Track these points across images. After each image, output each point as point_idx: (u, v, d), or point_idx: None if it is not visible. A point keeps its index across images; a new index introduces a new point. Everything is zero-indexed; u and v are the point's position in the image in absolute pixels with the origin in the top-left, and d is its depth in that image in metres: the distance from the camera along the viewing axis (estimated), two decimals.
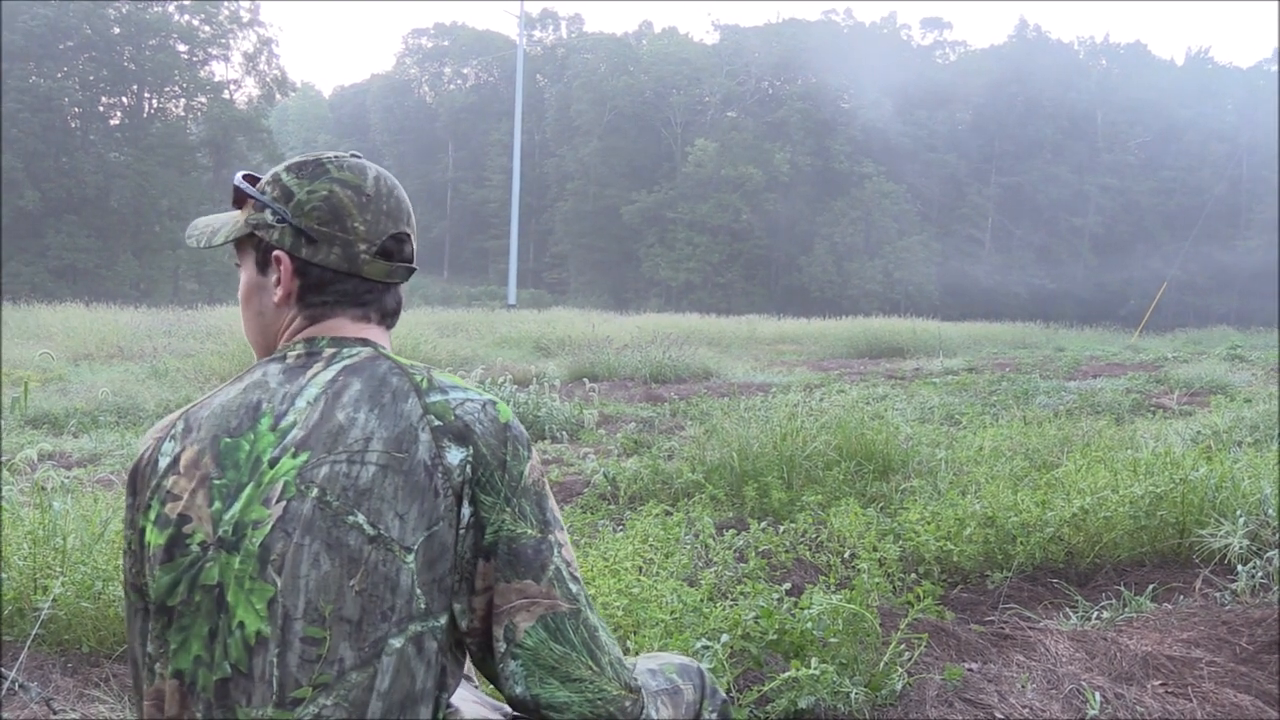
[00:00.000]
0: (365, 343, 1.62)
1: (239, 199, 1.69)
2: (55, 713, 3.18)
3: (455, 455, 1.47)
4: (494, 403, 1.56)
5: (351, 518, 1.40)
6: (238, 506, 1.44)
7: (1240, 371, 17.35)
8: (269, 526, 1.41)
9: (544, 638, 1.46)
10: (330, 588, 1.38)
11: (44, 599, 3.59)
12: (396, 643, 1.39)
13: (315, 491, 1.42)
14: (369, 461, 1.43)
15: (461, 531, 1.46)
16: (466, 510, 1.47)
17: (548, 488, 1.56)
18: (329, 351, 1.59)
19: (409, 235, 1.69)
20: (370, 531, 1.40)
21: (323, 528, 1.40)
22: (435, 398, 1.52)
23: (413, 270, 1.72)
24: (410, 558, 1.41)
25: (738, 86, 69.97)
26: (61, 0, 49.04)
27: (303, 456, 1.44)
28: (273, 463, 1.45)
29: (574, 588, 1.51)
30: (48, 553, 3.86)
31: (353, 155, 1.70)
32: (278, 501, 1.42)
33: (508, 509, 1.48)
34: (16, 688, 3.22)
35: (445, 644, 1.46)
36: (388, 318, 1.70)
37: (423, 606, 1.42)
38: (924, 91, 69.14)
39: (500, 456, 1.50)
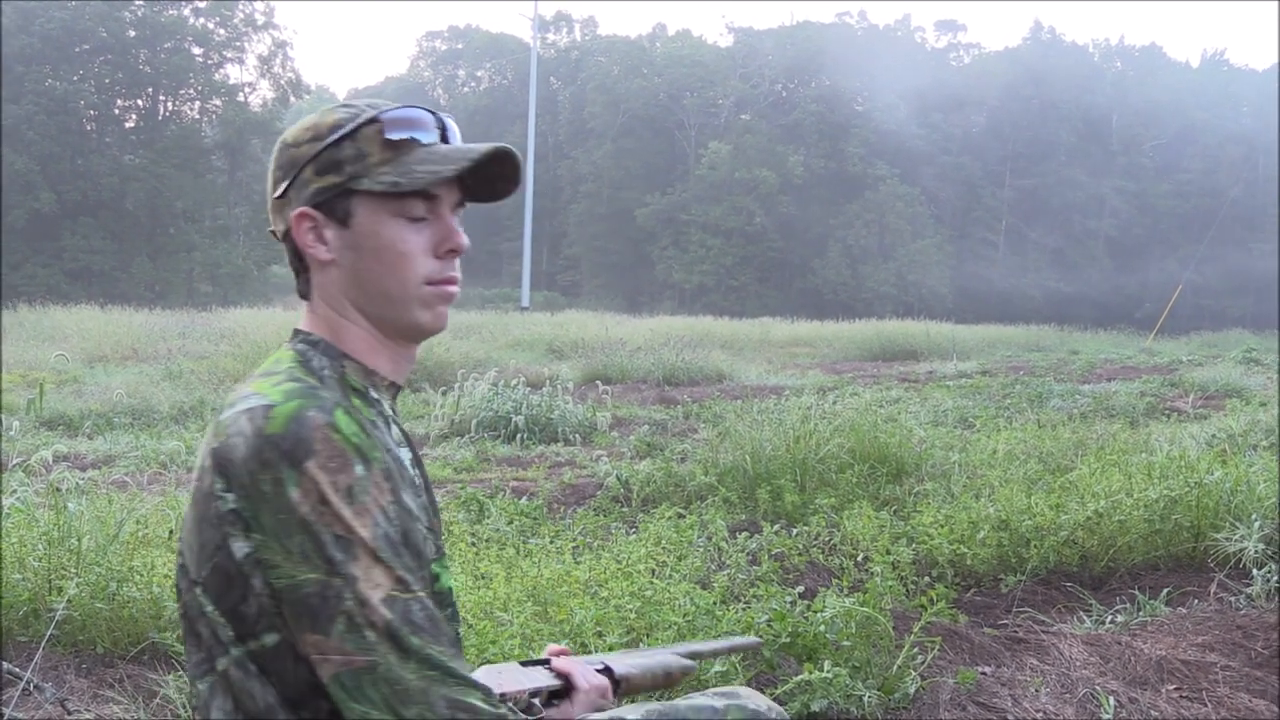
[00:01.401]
0: (295, 334, 1.52)
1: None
2: (70, 713, 3.19)
3: (220, 481, 1.33)
4: (267, 408, 1.32)
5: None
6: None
7: (1255, 375, 17.29)
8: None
9: (342, 697, 1.30)
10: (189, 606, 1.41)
11: (59, 600, 3.61)
12: (221, 665, 1.36)
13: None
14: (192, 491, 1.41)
15: (245, 568, 1.32)
16: (242, 545, 1.31)
17: (338, 504, 1.29)
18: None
19: (279, 185, 1.49)
20: (181, 560, 1.41)
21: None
22: (223, 414, 1.37)
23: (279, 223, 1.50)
24: (199, 590, 1.37)
25: (751, 89, 69.84)
26: (78, 2, 49.28)
27: None
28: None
29: (371, 636, 1.28)
30: (62, 554, 3.88)
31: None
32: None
33: (278, 548, 1.29)
34: (31, 688, 3.24)
35: (288, 658, 1.35)
36: (305, 291, 1.54)
37: (230, 634, 1.35)
38: (938, 94, 68.86)
39: (256, 481, 1.29)
